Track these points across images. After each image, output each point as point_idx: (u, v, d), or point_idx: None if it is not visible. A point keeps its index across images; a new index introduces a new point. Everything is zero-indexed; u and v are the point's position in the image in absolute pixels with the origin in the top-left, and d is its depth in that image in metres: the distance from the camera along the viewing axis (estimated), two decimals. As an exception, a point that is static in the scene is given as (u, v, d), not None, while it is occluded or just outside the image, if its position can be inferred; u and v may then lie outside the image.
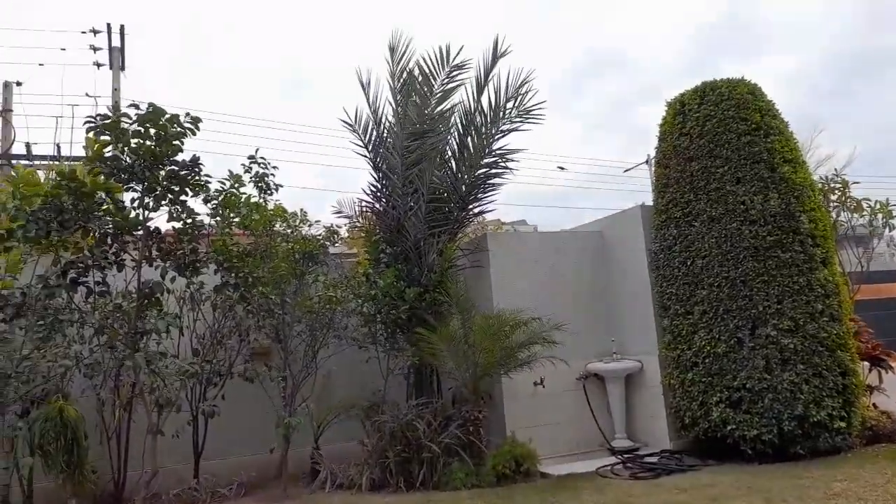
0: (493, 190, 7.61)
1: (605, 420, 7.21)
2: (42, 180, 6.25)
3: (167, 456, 5.84)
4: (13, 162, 13.17)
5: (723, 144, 6.32)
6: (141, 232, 5.73)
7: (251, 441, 6.61)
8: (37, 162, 13.34)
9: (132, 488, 5.84)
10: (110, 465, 5.98)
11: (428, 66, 7.49)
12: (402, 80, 7.55)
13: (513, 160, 7.56)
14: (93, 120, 5.47)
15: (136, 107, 5.48)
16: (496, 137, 7.40)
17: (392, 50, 7.58)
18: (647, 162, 27.23)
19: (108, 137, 5.42)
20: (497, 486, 5.66)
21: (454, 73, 7.48)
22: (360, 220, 8.04)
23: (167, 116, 5.51)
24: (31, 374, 5.26)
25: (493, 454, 5.98)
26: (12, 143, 14.07)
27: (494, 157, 7.48)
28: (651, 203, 7.21)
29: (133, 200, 5.69)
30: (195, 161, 5.78)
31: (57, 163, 11.45)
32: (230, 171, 6.56)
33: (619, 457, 6.56)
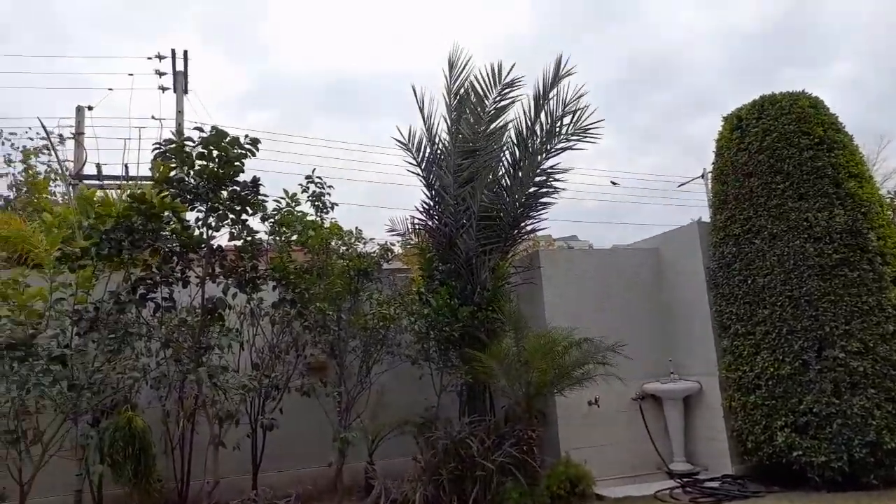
0: (544, 208, 7.58)
1: (662, 442, 7.04)
2: (113, 199, 6.59)
3: (227, 467, 5.98)
4: (83, 182, 13.91)
5: (784, 160, 6.16)
6: (204, 250, 5.96)
7: (306, 454, 6.72)
8: (106, 182, 14.08)
9: (194, 497, 6.02)
10: (174, 475, 6.18)
11: (481, 84, 7.52)
12: (457, 98, 7.60)
13: (562, 179, 7.49)
14: (160, 146, 5.75)
15: (200, 130, 5.73)
16: (550, 155, 7.35)
17: (451, 66, 7.59)
18: (702, 176, 26.62)
19: (173, 161, 5.68)
20: (551, 507, 5.59)
21: (506, 90, 7.50)
22: (413, 237, 8.14)
23: (228, 139, 5.74)
24: (102, 386, 5.52)
25: (547, 474, 5.92)
26: (84, 164, 14.85)
27: (545, 175, 7.44)
28: (708, 219, 7.06)
29: (197, 220, 5.93)
30: (255, 182, 6.00)
31: (125, 182, 12.04)
32: (286, 191, 6.77)
33: (678, 480, 6.39)
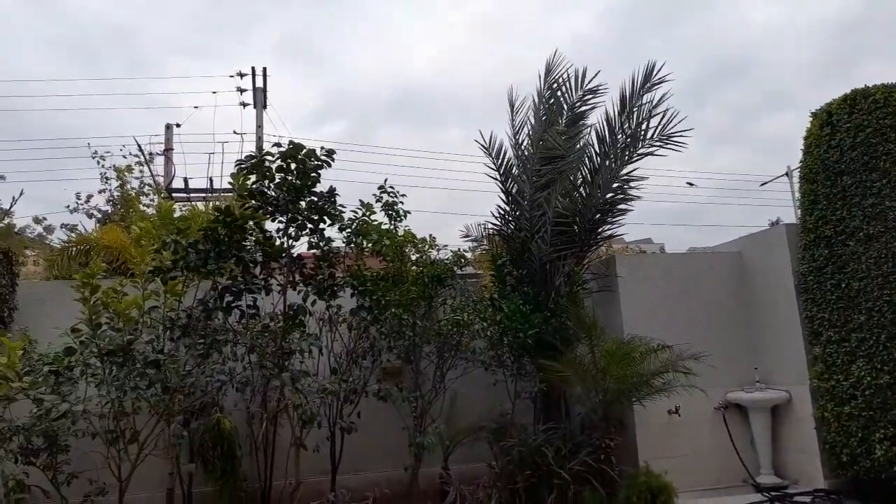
0: (621, 214, 7.41)
1: (747, 454, 6.74)
2: (199, 211, 6.93)
3: (307, 468, 6.15)
4: (171, 195, 14.71)
5: (880, 156, 5.79)
6: (285, 259, 6.19)
7: (383, 458, 6.84)
8: (193, 195, 14.85)
9: (276, 497, 6.24)
10: (258, 475, 6.43)
11: (563, 90, 7.48)
12: (547, 103, 7.56)
13: (640, 186, 7.30)
14: (242, 161, 6.03)
15: (279, 145, 5.97)
16: (631, 160, 7.14)
17: (547, 70, 7.54)
18: (786, 174, 25.35)
19: (253, 175, 5.95)
20: (631, 519, 5.45)
21: (587, 96, 7.42)
22: (487, 242, 8.16)
23: (305, 151, 5.96)
24: (192, 388, 5.82)
25: (626, 484, 5.77)
26: (172, 179, 15.73)
27: (623, 181, 7.26)
28: (793, 218, 6.72)
29: (278, 230, 6.18)
30: (332, 192, 6.20)
31: (210, 195, 12.66)
32: (361, 201, 6.93)
33: (766, 494, 6.11)
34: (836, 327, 5.94)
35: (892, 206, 5.66)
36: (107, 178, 15.88)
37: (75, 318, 5.51)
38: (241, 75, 17.39)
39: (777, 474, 6.60)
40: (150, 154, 16.01)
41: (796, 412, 6.49)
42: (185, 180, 15.45)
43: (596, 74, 7.36)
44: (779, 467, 6.66)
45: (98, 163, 15.98)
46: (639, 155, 7.14)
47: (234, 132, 17.08)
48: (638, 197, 7.31)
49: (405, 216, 7.04)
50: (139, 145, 15.69)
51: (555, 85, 7.54)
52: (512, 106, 7.74)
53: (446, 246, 7.16)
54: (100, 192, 16.02)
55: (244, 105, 17.61)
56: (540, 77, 7.60)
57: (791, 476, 6.52)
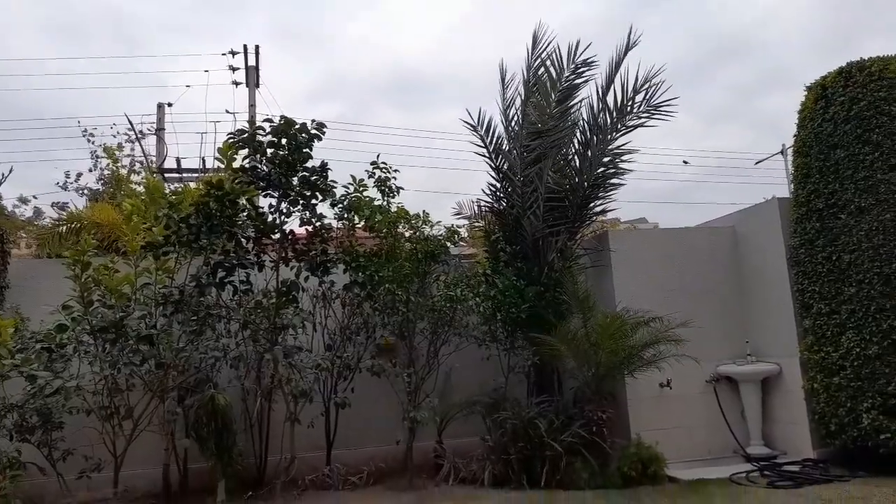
0: (613, 188, 7.41)
1: (738, 425, 6.83)
2: (192, 189, 6.89)
3: (302, 444, 6.20)
4: (164, 175, 14.62)
5: (873, 129, 5.79)
6: (278, 235, 6.18)
7: (377, 433, 6.88)
8: (186, 175, 14.76)
9: (272, 472, 6.28)
10: (253, 450, 6.47)
11: (554, 64, 7.41)
12: (535, 77, 7.49)
13: (631, 160, 7.30)
14: (233, 136, 5.99)
15: (270, 121, 5.94)
16: (621, 133, 7.15)
17: (534, 43, 7.46)
18: (781, 152, 25.31)
19: (245, 150, 5.91)
20: (623, 489, 5.54)
21: (580, 69, 7.35)
22: (479, 220, 8.15)
23: (296, 126, 5.93)
24: (186, 365, 5.83)
25: (617, 455, 5.85)
26: (165, 158, 15.58)
27: (614, 155, 7.26)
28: (787, 196, 6.73)
29: (270, 206, 6.17)
30: (323, 166, 6.18)
31: (203, 175, 12.58)
32: (353, 177, 6.89)
33: (756, 464, 6.19)
34: (826, 300, 5.98)
35: (883, 179, 5.67)
36: (97, 157, 15.77)
37: (67, 295, 5.50)
38: (234, 54, 17.15)
39: (767, 445, 6.69)
40: (141, 132, 15.86)
41: (786, 384, 6.57)
42: (178, 160, 15.31)
43: (587, 47, 7.30)
44: (768, 438, 6.75)
45: (88, 140, 15.87)
46: (628, 127, 7.15)
47: (227, 111, 16.86)
48: (629, 170, 7.33)
49: (398, 192, 7.01)
50: (130, 123, 15.59)
51: (544, 55, 7.46)
52: (503, 80, 7.67)
53: (440, 222, 7.13)
54: (90, 170, 15.92)
55: (236, 84, 17.38)
56: (528, 50, 7.52)
57: (780, 446, 6.61)
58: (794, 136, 6.62)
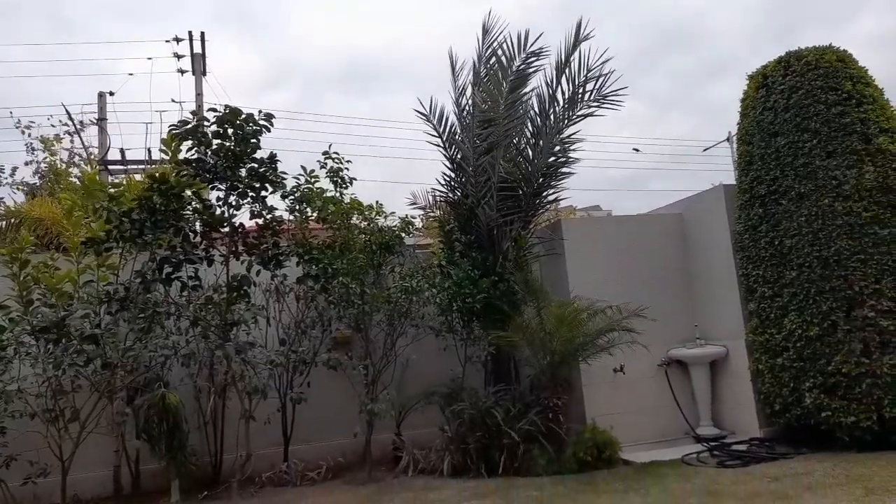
0: (565, 177, 7.49)
1: (688, 407, 7.02)
2: (137, 180, 6.67)
3: (259, 441, 6.11)
4: (108, 167, 14.12)
5: (811, 117, 5.98)
6: (227, 229, 6.04)
7: (335, 427, 6.83)
8: (131, 167, 14.28)
9: (228, 471, 6.18)
10: (208, 449, 6.35)
11: (505, 52, 7.41)
12: (485, 66, 7.48)
13: (582, 148, 7.41)
14: (176, 126, 5.82)
15: (215, 110, 5.78)
16: (571, 123, 7.23)
17: (484, 32, 7.44)
18: (727, 140, 26.07)
19: (190, 142, 5.75)
20: (579, 473, 5.63)
21: (531, 59, 7.37)
22: (434, 210, 8.14)
23: (243, 116, 5.79)
24: (135, 364, 5.67)
25: (573, 441, 5.95)
26: (108, 150, 15.04)
27: (565, 144, 7.35)
28: (733, 183, 6.93)
29: (218, 199, 6.02)
30: (272, 157, 6.06)
31: (149, 166, 12.19)
32: (303, 167, 6.79)
33: (705, 444, 6.38)
34: (769, 283, 6.19)
35: (821, 166, 5.87)
36: (33, 149, 15.12)
37: (5, 295, 5.27)
38: (178, 40, 16.63)
39: (716, 426, 6.90)
40: (81, 123, 15.26)
41: (733, 366, 6.78)
42: (122, 151, 14.79)
43: (539, 37, 7.31)
44: (718, 419, 6.97)
45: (23, 132, 15.20)
46: (578, 116, 7.23)
47: (173, 101, 16.32)
48: (579, 159, 7.43)
49: (351, 183, 6.95)
50: (68, 113, 14.95)
51: (495, 44, 7.46)
52: (453, 69, 7.65)
53: (394, 213, 7.10)
54: (26, 163, 15.25)
55: (182, 72, 16.90)
56: (478, 39, 7.52)
57: (729, 427, 6.84)
58: (738, 124, 6.80)
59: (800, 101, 6.07)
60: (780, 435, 6.21)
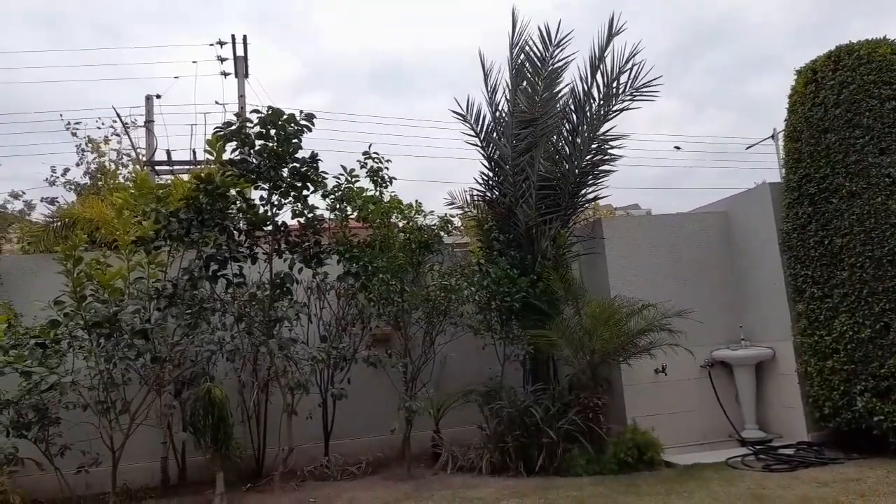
0: (604, 175, 7.41)
1: (733, 410, 6.87)
2: (183, 180, 6.84)
3: (300, 435, 6.21)
4: (154, 168, 14.52)
5: (863, 112, 5.80)
6: (270, 227, 6.15)
7: (375, 423, 6.91)
8: (177, 167, 14.66)
9: (270, 464, 6.31)
10: (251, 442, 6.49)
11: (537, 49, 7.37)
12: (517, 64, 7.43)
13: (621, 146, 7.30)
14: (220, 128, 5.94)
15: (258, 112, 5.89)
16: (608, 118, 7.16)
17: (513, 28, 7.39)
18: (772, 137, 25.35)
19: (234, 142, 5.87)
20: (619, 474, 5.57)
21: (564, 54, 7.31)
22: (472, 209, 8.14)
23: (285, 116, 5.89)
24: (182, 358, 5.82)
25: (613, 441, 5.88)
26: (154, 151, 15.46)
27: (603, 141, 7.26)
28: (779, 180, 6.76)
29: (261, 198, 6.13)
30: (314, 157, 6.14)
31: (194, 167, 12.50)
32: (344, 167, 6.87)
33: (751, 448, 6.24)
34: (819, 284, 6.01)
35: (874, 163, 5.69)
36: (83, 151, 15.64)
37: (60, 291, 5.47)
38: (221, 44, 16.98)
39: (761, 429, 6.74)
40: (126, 125, 15.71)
41: (780, 368, 6.61)
42: (168, 153, 15.19)
43: (570, 32, 7.26)
44: (763, 422, 6.80)
45: (73, 134, 15.73)
46: (615, 111, 7.16)
47: (217, 103, 16.74)
48: (619, 156, 7.34)
49: (391, 182, 7.00)
50: (118, 114, 15.40)
51: (529, 42, 7.42)
52: (483, 67, 7.59)
53: (433, 212, 7.13)
54: (77, 164, 15.78)
55: (225, 75, 17.23)
56: (509, 35, 7.44)
57: (775, 430, 6.67)
58: (785, 120, 6.63)
59: (851, 97, 5.88)
60: (829, 439, 6.03)
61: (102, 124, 15.85)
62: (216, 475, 5.62)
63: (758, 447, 6.24)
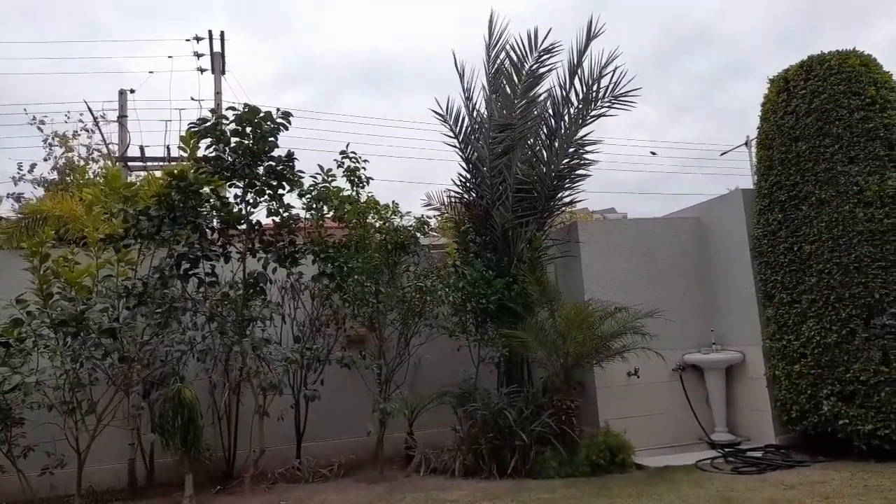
0: (580, 179, 7.46)
1: (703, 413, 6.96)
2: (156, 177, 6.73)
3: (272, 437, 6.15)
4: (127, 164, 14.27)
5: (833, 122, 5.91)
6: (244, 226, 6.08)
7: (348, 425, 6.86)
8: (150, 164, 14.43)
9: (241, 466, 6.23)
10: (221, 444, 6.40)
11: (517, 52, 7.36)
12: (495, 66, 7.43)
13: (597, 151, 7.34)
14: (195, 125, 5.87)
15: (234, 108, 5.83)
16: (586, 123, 7.21)
17: (490, 32, 7.38)
18: (745, 144, 25.80)
19: (208, 139, 5.79)
20: (591, 476, 5.60)
21: (543, 57, 7.30)
22: (449, 210, 8.13)
23: (261, 114, 5.83)
24: (152, 358, 5.73)
25: (586, 444, 5.92)
26: (127, 147, 15.20)
27: (580, 146, 7.31)
28: (751, 187, 6.86)
29: (235, 197, 6.06)
30: (290, 156, 6.10)
31: (168, 164, 12.31)
32: (321, 166, 6.82)
33: (720, 450, 6.33)
34: (788, 289, 6.12)
35: (843, 171, 5.80)
36: (50, 145, 15.32)
37: (25, 288, 5.34)
38: (198, 39, 16.77)
39: (731, 432, 6.84)
40: (97, 119, 15.42)
41: (749, 372, 6.71)
42: (142, 148, 14.95)
43: (548, 33, 7.24)
44: (733, 425, 6.90)
45: (38, 129, 15.42)
46: (592, 117, 7.22)
47: (192, 99, 16.54)
48: (594, 161, 7.39)
49: (368, 182, 6.97)
50: (90, 109, 15.15)
51: (503, 49, 7.42)
52: (460, 70, 7.58)
53: (409, 213, 7.11)
54: (44, 159, 15.46)
55: (202, 71, 17.03)
56: (484, 39, 7.45)
57: (744, 433, 6.77)
58: (758, 128, 6.74)
59: (822, 106, 6.00)
60: (796, 442, 6.14)
61: (69, 118, 15.51)
62: (185, 477, 5.54)
63: (727, 450, 6.33)
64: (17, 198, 14.89)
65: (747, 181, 25.58)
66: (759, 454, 6.08)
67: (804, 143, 6.08)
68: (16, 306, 5.22)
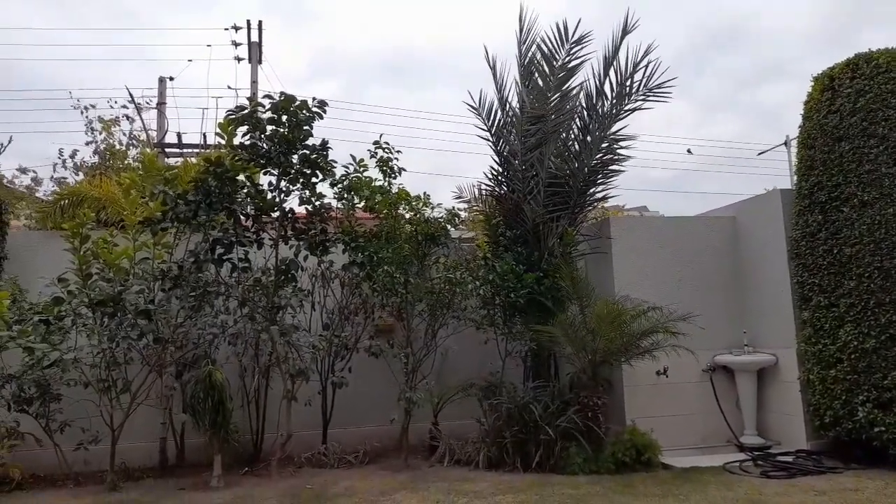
0: (613, 174, 7.37)
1: (733, 415, 6.85)
2: (192, 163, 6.84)
3: (299, 422, 6.22)
4: (164, 150, 14.54)
5: (879, 122, 5.74)
6: (277, 213, 6.16)
7: (373, 413, 6.91)
8: (186, 150, 14.68)
9: (268, 449, 6.33)
10: (250, 427, 6.51)
11: (548, 45, 7.29)
12: (527, 59, 7.38)
13: (631, 146, 7.24)
14: (232, 112, 5.94)
15: (270, 97, 5.89)
16: (620, 117, 7.12)
17: (521, 25, 7.33)
18: (785, 144, 25.20)
19: (245, 127, 5.87)
20: (616, 474, 5.55)
21: (574, 49, 7.20)
22: (480, 203, 8.11)
23: (297, 103, 5.88)
24: (185, 340, 5.85)
25: (612, 441, 5.87)
26: (165, 133, 15.49)
27: (614, 140, 7.22)
28: (789, 188, 6.70)
29: (270, 184, 6.13)
30: (324, 144, 6.14)
31: (204, 150, 12.51)
32: (353, 157, 6.86)
33: (749, 454, 6.22)
34: (825, 292, 5.97)
35: (888, 173, 5.63)
36: (92, 129, 15.67)
37: (66, 268, 5.49)
38: (236, 29, 17.00)
39: (761, 435, 6.72)
40: (138, 105, 15.72)
41: (782, 375, 6.58)
42: (179, 135, 15.24)
43: (578, 24, 7.14)
44: (763, 428, 6.78)
45: (81, 113, 15.78)
46: (627, 111, 7.11)
47: (229, 87, 16.77)
48: (628, 157, 7.28)
49: (400, 173, 6.97)
50: (131, 95, 15.42)
51: (534, 42, 7.35)
52: (492, 64, 7.54)
53: (440, 204, 7.10)
54: (86, 144, 15.81)
55: (239, 60, 17.27)
56: (515, 33, 7.39)
57: (774, 437, 6.64)
58: (800, 126, 6.57)
59: (867, 105, 5.82)
60: (828, 449, 6.01)
61: (115, 103, 15.85)
62: (214, 457, 5.65)
63: (756, 453, 6.22)
64: (59, 182, 15.27)
65: (782, 182, 25.03)
66: (789, 459, 5.96)
67: (847, 143, 5.91)
68: (57, 285, 5.37)
